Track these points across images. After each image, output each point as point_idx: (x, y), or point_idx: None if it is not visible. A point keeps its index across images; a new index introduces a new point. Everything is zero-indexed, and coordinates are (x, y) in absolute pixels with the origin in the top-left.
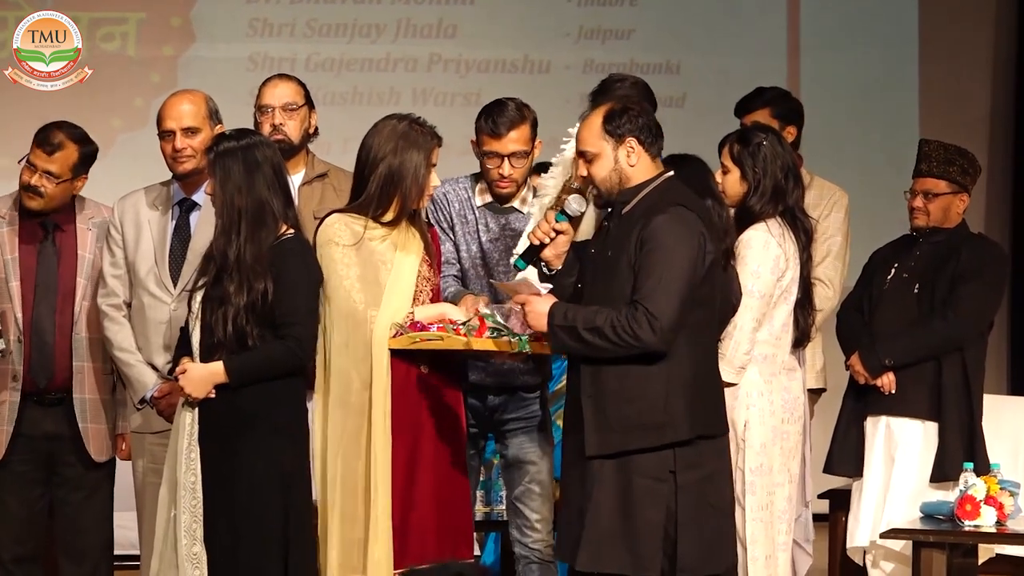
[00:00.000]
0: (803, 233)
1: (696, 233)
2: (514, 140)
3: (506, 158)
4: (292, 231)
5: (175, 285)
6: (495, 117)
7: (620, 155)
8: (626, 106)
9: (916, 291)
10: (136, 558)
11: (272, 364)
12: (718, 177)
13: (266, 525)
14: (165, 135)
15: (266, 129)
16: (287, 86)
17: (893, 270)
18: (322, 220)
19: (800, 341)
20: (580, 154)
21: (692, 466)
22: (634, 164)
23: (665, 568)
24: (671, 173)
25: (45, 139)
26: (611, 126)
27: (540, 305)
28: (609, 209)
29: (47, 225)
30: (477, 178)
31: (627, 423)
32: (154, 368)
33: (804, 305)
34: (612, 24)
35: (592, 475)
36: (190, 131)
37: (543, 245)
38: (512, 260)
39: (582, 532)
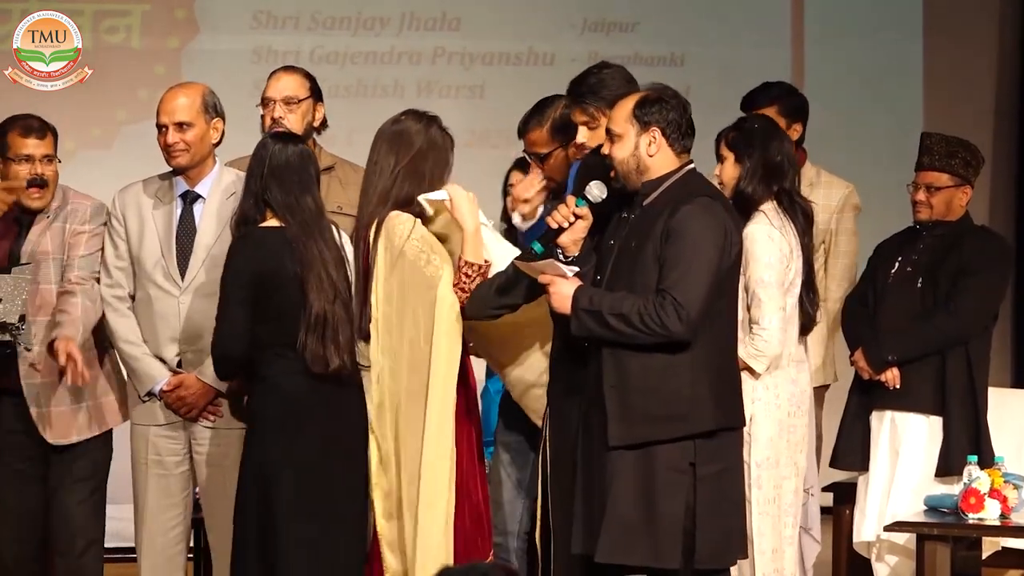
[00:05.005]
0: (802, 216)
1: (722, 223)
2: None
3: None
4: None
5: (183, 277)
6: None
7: (642, 142)
8: (661, 96)
9: (919, 285)
10: (126, 550)
11: None
12: (716, 170)
13: (298, 523)
14: (160, 129)
15: (267, 123)
16: (290, 79)
17: (897, 263)
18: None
19: (806, 327)
20: (607, 131)
21: (712, 458)
22: (653, 154)
23: (680, 560)
24: (692, 166)
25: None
26: (640, 112)
27: (565, 287)
28: (613, 198)
29: (21, 220)
30: None
31: (651, 414)
32: (162, 361)
33: (808, 291)
34: (616, 16)
35: (611, 466)
36: (182, 126)
37: (561, 229)
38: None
39: (601, 523)
